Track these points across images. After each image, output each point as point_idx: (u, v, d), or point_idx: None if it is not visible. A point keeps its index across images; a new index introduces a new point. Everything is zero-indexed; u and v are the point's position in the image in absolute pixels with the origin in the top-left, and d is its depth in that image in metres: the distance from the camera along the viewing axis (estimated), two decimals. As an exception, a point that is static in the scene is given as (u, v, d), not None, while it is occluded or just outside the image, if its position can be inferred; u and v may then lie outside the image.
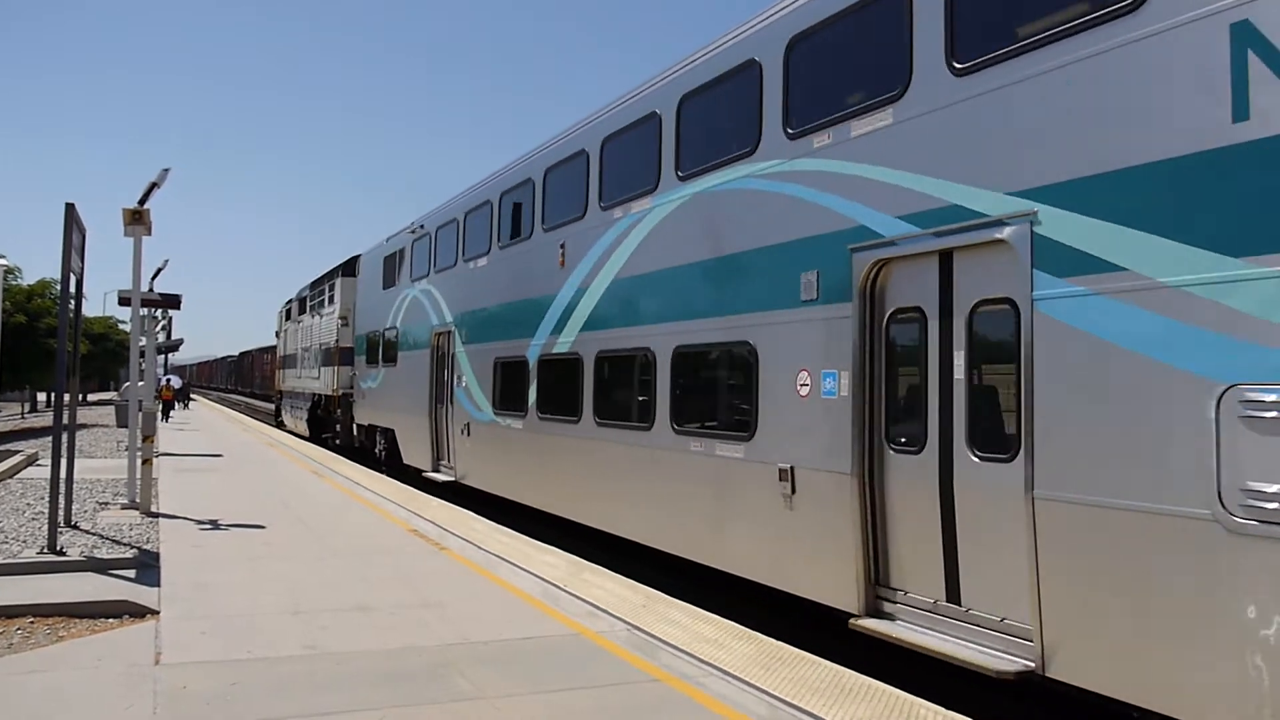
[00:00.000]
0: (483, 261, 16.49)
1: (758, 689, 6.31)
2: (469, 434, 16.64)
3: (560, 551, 11.32)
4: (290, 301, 40.49)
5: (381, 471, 21.61)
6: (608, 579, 9.82)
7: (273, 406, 74.31)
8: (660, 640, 7.47)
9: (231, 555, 10.57)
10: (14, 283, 43.64)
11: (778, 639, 7.64)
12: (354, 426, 26.61)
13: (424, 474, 19.00)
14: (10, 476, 17.88)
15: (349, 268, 28.01)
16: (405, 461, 20.96)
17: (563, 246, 13.24)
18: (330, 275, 30.86)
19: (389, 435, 22.76)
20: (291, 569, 9.93)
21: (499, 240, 15.97)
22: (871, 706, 6.02)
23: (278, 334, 44.39)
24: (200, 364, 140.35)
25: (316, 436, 32.12)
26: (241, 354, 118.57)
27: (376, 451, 24.03)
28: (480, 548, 11.37)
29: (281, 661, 6.75)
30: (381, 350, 23.20)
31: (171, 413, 43.18)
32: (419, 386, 19.54)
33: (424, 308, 19.66)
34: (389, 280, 23.03)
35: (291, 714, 5.74)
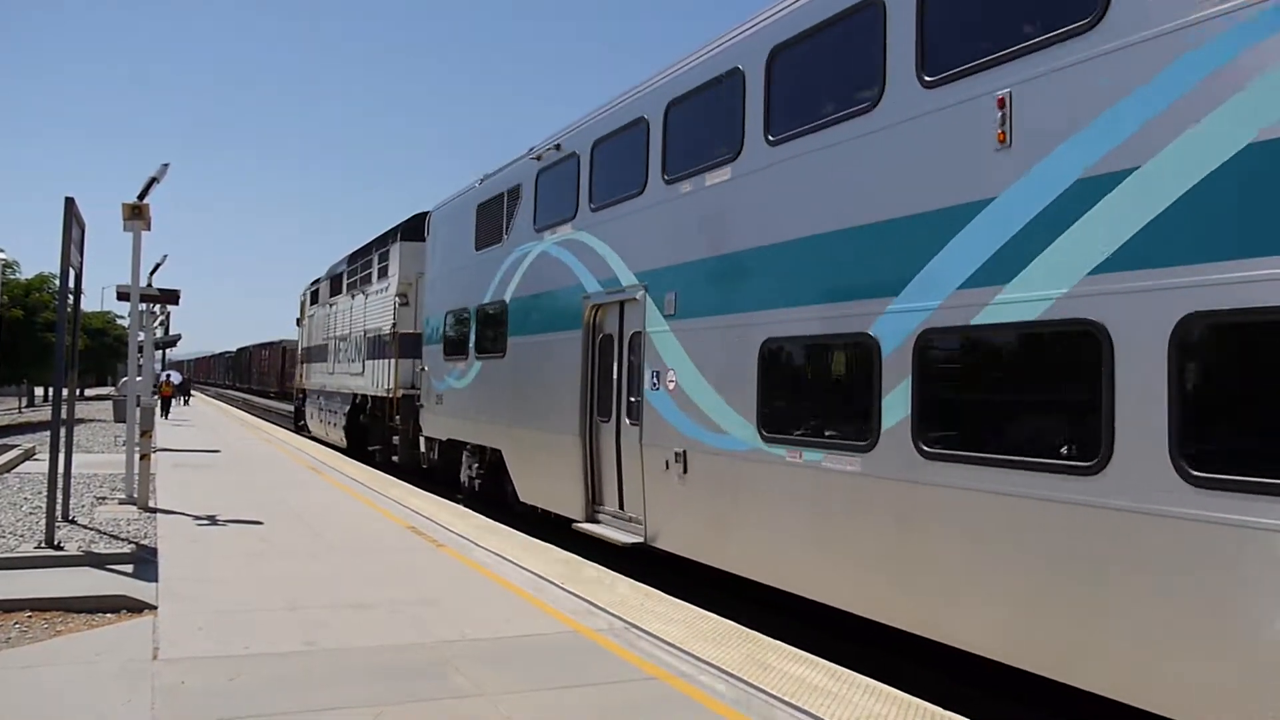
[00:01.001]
0: (724, 174, 9.81)
1: (754, 687, 6.31)
2: (684, 470, 10.13)
3: (558, 549, 11.32)
4: (317, 282, 33.70)
5: (469, 505, 15.67)
6: (605, 577, 9.82)
7: (281, 405, 73.83)
8: (658, 638, 7.47)
9: (229, 551, 10.56)
10: (12, 277, 43.57)
11: (774, 638, 7.64)
12: (421, 440, 19.56)
13: (573, 525, 12.51)
14: (8, 471, 17.86)
15: (412, 229, 21.21)
16: (524, 499, 14.33)
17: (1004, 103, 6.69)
18: (380, 242, 24.05)
19: (489, 457, 16.04)
20: (289, 565, 9.92)
21: (778, 126, 9.09)
22: (872, 703, 6.03)
23: (299, 322, 37.62)
24: (198, 360, 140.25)
25: (358, 449, 25.07)
26: (239, 350, 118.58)
27: (464, 480, 17.32)
28: (478, 545, 11.36)
29: (279, 657, 6.75)
30: (475, 335, 16.41)
31: (171, 409, 41.51)
32: (556, 387, 13.14)
33: (564, 268, 13.20)
34: (487, 237, 16.20)
35: (289, 710, 5.74)
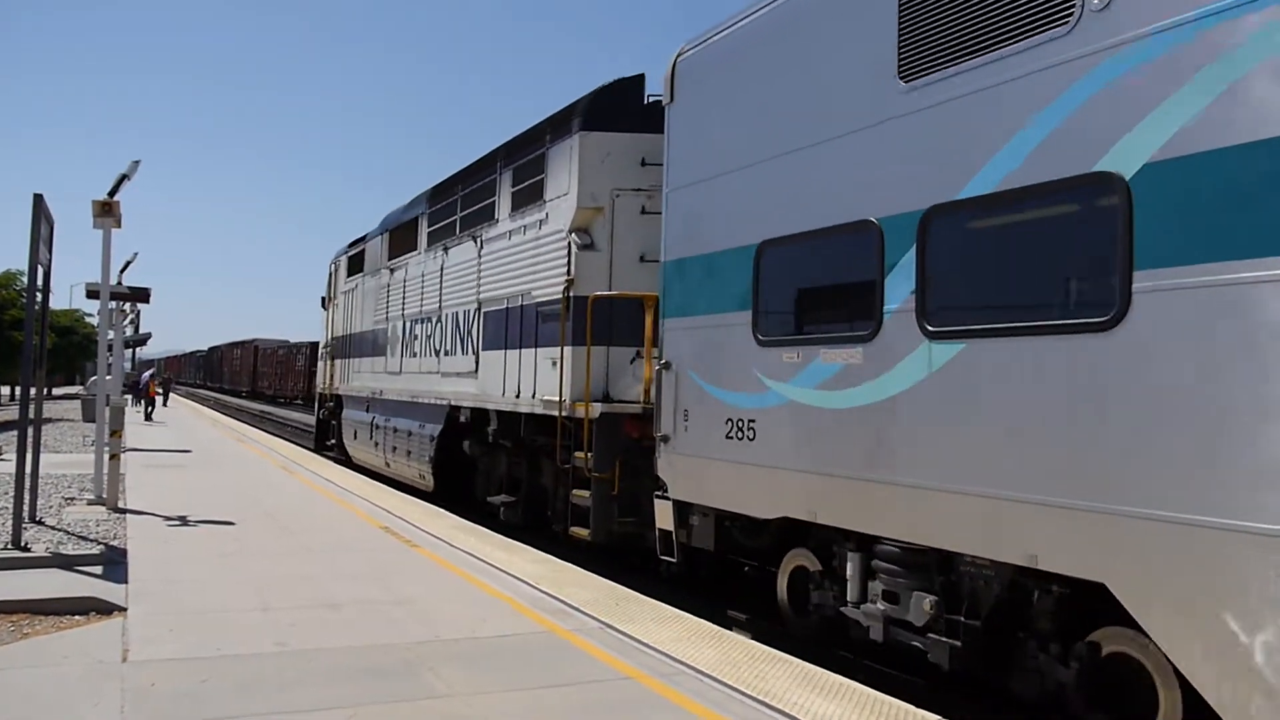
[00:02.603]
0: None
1: (730, 687, 6.31)
2: None
3: (533, 550, 11.29)
4: (361, 242, 23.28)
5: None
6: (580, 577, 9.80)
7: (253, 404, 72.87)
8: (634, 639, 7.46)
9: (200, 552, 10.46)
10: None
11: (751, 638, 7.66)
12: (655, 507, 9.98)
13: None
14: (-26, 471, 17.60)
15: (602, 112, 12.23)
16: None
17: None
18: (523, 146, 14.02)
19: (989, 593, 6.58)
20: (261, 565, 9.84)
21: None
22: (842, 704, 6.05)
23: (326, 302, 27.19)
24: (169, 358, 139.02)
25: (454, 494, 16.14)
26: (211, 349, 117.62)
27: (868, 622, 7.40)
28: (452, 545, 11.32)
29: (251, 659, 6.68)
30: (937, 280, 6.78)
31: (153, 410, 38.28)
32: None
33: None
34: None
35: (260, 711, 5.69)
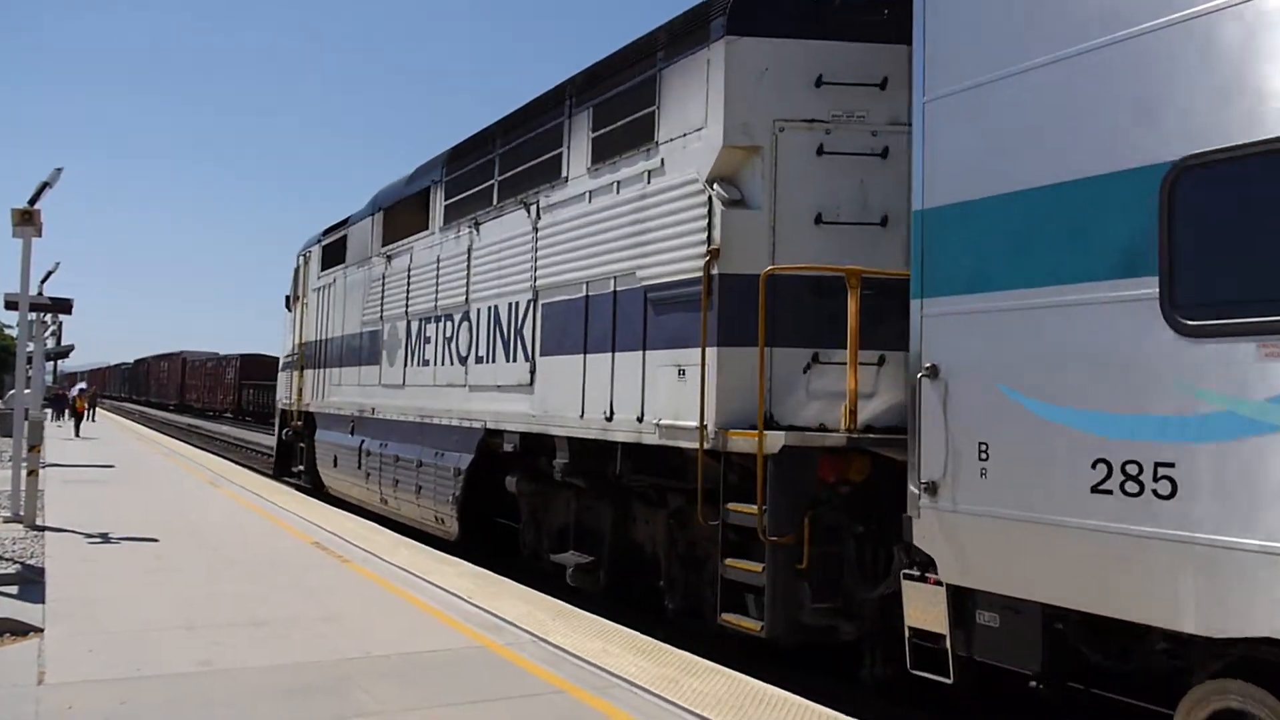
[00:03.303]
0: None
1: (666, 700, 6.31)
2: None
3: (465, 564, 11.19)
4: (342, 227, 18.73)
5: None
6: (513, 591, 9.74)
7: (180, 418, 71.18)
8: (567, 652, 7.42)
9: (122, 570, 10.18)
10: (-110, 284, 41.49)
11: (689, 652, 7.66)
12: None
13: None
14: (-118, 488, 16.94)
15: (744, 14, 8.22)
16: None
17: None
18: (608, 77, 10.08)
19: None
20: (185, 583, 9.61)
21: None
22: (779, 713, 6.08)
23: (291, 303, 22.46)
24: (92, 371, 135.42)
25: (484, 542, 12.84)
26: (137, 361, 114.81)
27: None
28: (384, 560, 11.17)
29: (173, 679, 6.51)
30: None
31: (81, 424, 36.53)
32: None
33: None
34: None
35: (183, 733, 5.55)
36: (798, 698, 6.45)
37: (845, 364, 7.30)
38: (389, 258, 15.74)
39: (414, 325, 14.45)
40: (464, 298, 12.72)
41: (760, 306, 7.47)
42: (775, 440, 7.39)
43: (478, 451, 11.89)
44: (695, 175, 8.32)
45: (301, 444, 20.46)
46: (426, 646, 7.51)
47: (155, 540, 12.01)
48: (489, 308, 12.05)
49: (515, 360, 11.26)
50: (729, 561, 7.78)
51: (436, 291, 13.64)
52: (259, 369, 69.97)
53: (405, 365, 14.65)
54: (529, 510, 11.73)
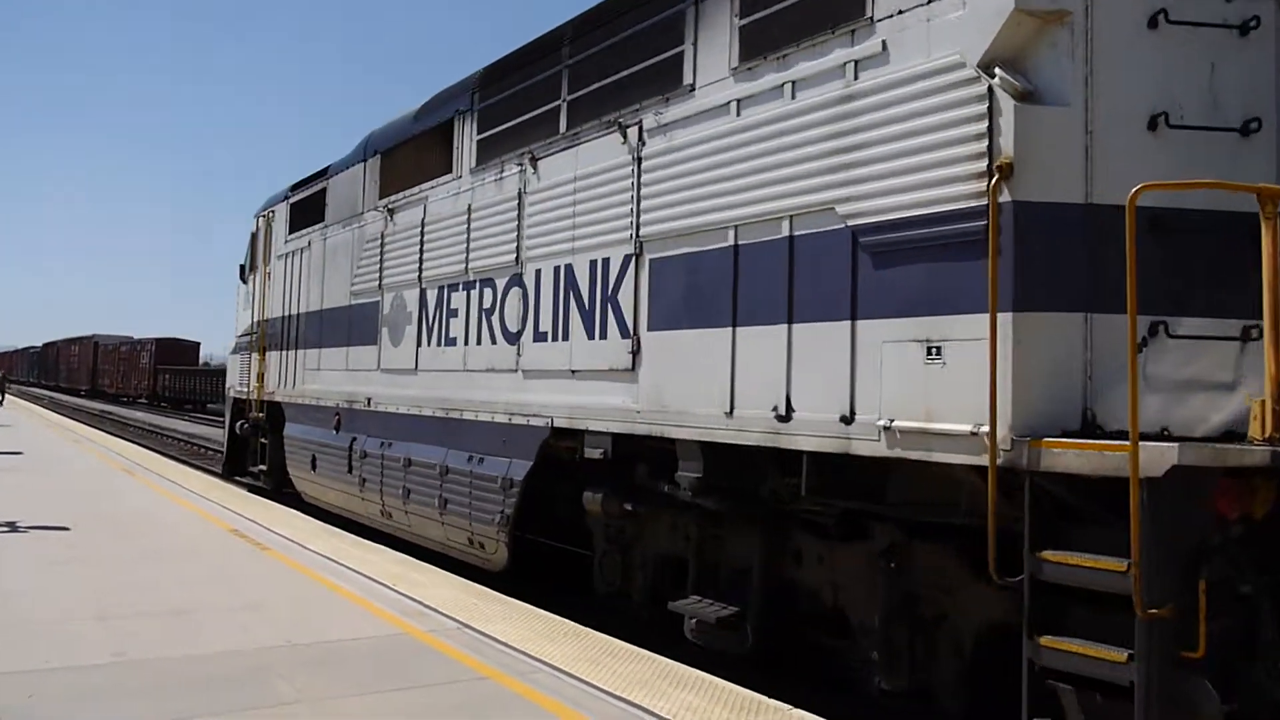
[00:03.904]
0: None
1: (588, 684, 6.34)
2: None
3: (389, 551, 11.09)
4: (310, 184, 16.17)
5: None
6: (439, 578, 9.69)
7: (93, 404, 68.97)
8: (491, 638, 7.41)
9: (31, 560, 9.87)
10: None
11: (614, 636, 7.71)
12: None
13: None
14: None
15: None
16: None
17: None
18: None
19: None
20: (99, 573, 9.36)
21: None
22: (700, 695, 6.16)
23: (247, 273, 19.53)
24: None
25: (560, 584, 10.22)
26: (46, 345, 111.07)
27: None
28: (305, 548, 11.01)
29: (85, 671, 6.35)
30: None
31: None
32: None
33: None
34: None
35: (95, 726, 5.42)
36: (727, 683, 6.53)
37: (1200, 338, 5.21)
38: (390, 212, 12.75)
39: (430, 295, 11.60)
40: (513, 256, 9.94)
41: (1129, 246, 4.77)
42: (1158, 456, 4.75)
43: (538, 457, 9.20)
44: (958, 58, 5.72)
45: (263, 439, 17.38)
46: (350, 634, 7.44)
47: (66, 529, 11.67)
48: (556, 268, 9.23)
49: (605, 337, 8.53)
50: (1048, 641, 5.13)
51: (467, 251, 10.82)
52: (175, 354, 68.35)
53: (418, 345, 11.83)
54: (613, 537, 9.26)
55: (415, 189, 12.21)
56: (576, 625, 7.94)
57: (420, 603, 8.48)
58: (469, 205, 10.85)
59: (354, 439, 13.15)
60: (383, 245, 12.90)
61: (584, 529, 9.65)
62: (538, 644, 7.26)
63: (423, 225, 11.87)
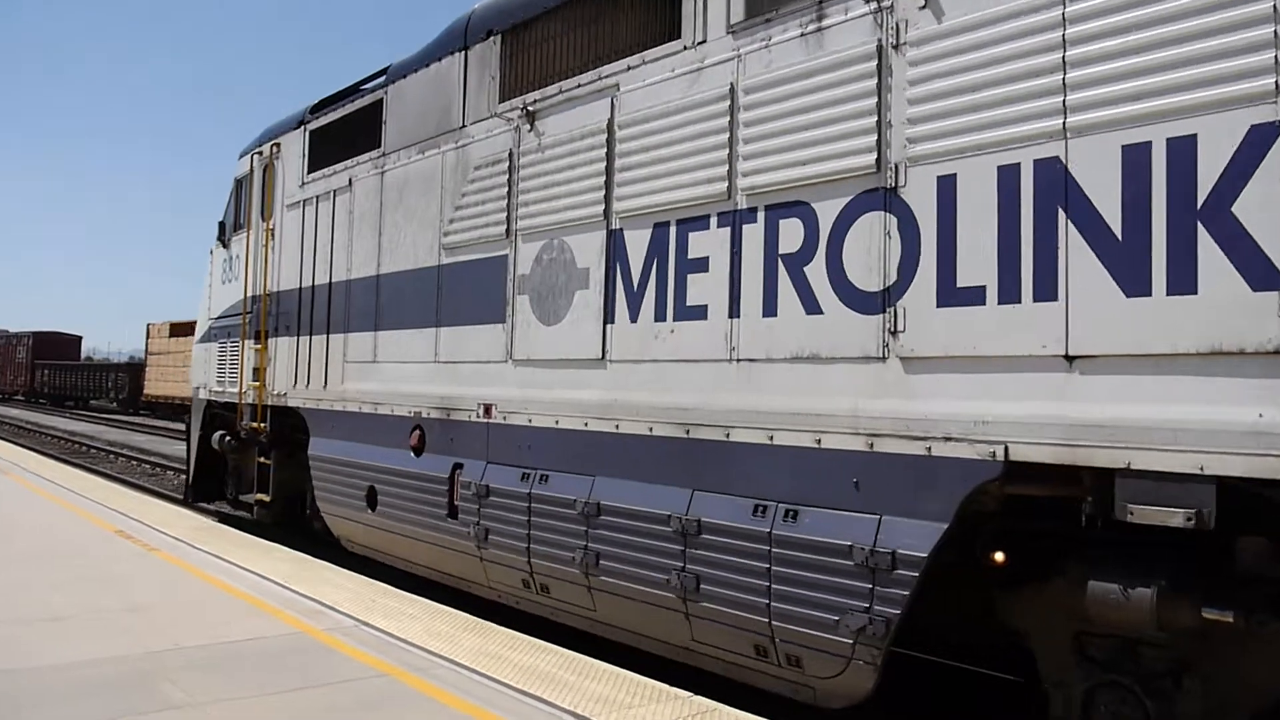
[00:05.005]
0: None
1: (490, 678, 6.29)
2: None
3: (284, 549, 10.81)
4: (361, 95, 11.57)
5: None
6: (336, 575, 9.48)
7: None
8: (389, 635, 7.29)
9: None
10: None
11: (516, 630, 7.67)
12: None
13: None
14: None
15: None
16: None
17: None
18: None
19: None
20: (-31, 578, 8.91)
21: None
22: (608, 684, 6.16)
23: (229, 232, 14.93)
24: None
25: None
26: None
27: None
28: (195, 547, 10.65)
29: (-46, 681, 6.04)
30: None
31: None
32: None
33: None
34: None
35: (-33, 738, 5.16)
36: (632, 674, 6.55)
37: None
38: (530, 117, 8.72)
39: (634, 239, 7.60)
40: (869, 158, 6.00)
41: None
42: None
43: (957, 516, 5.50)
44: None
45: (265, 459, 12.98)
46: (242, 635, 7.22)
47: (-66, 533, 11.07)
48: (1007, 170, 5.34)
49: (1192, 289, 4.64)
50: None
51: (730, 160, 6.87)
52: (55, 348, 65.49)
53: (604, 321, 7.80)
54: (1148, 666, 5.24)
55: (589, 76, 8.19)
56: (480, 620, 7.88)
57: (317, 601, 8.29)
58: (730, 85, 6.94)
59: (458, 466, 9.21)
60: (515, 170, 8.88)
61: (1005, 636, 6.00)
62: (438, 640, 7.17)
63: (611, 130, 7.90)
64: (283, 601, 8.28)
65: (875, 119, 5.98)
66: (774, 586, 6.32)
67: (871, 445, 5.85)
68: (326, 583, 9.05)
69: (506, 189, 8.93)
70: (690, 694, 6.09)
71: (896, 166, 5.86)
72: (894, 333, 5.79)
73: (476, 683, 6.22)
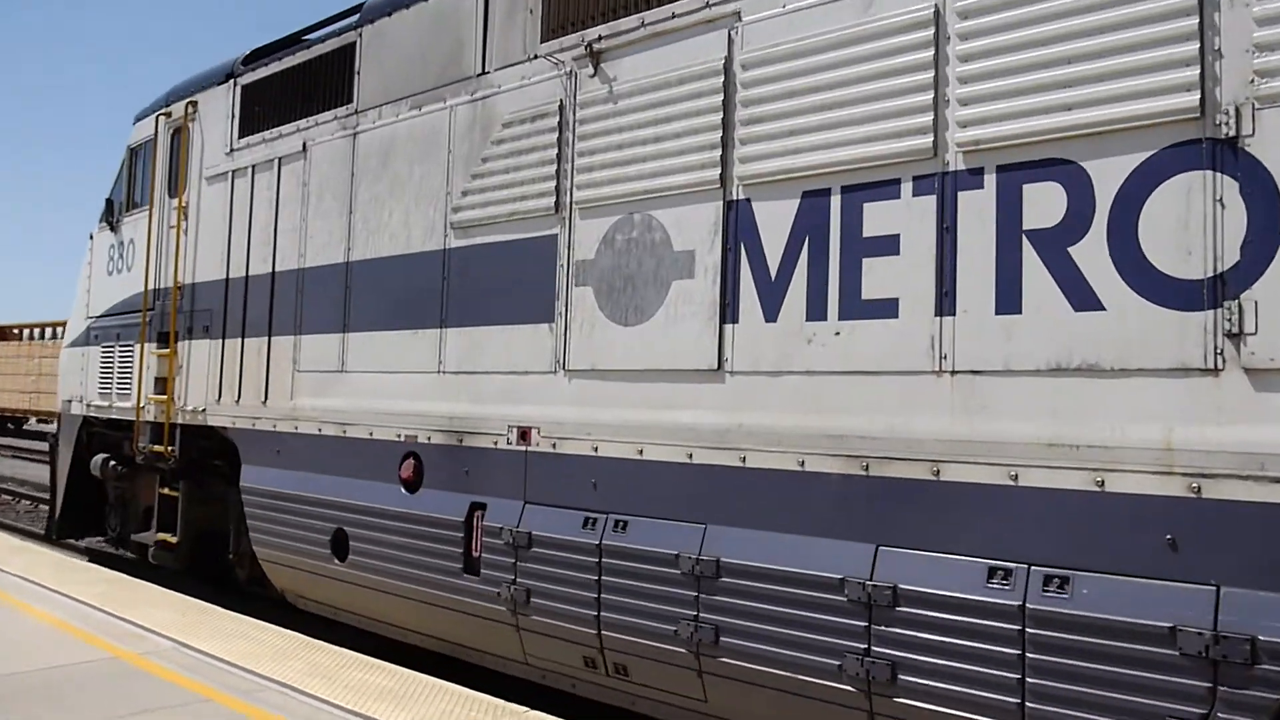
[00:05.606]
0: None
1: (318, 699, 6.12)
2: None
3: (103, 569, 10.24)
4: (318, 42, 9.30)
5: None
6: (156, 595, 9.03)
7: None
8: (213, 657, 6.99)
9: None
10: None
11: (349, 649, 7.48)
12: None
13: None
14: None
15: None
16: None
17: None
18: None
19: None
20: None
21: None
22: (448, 701, 6.09)
23: (120, 211, 11.99)
24: None
25: None
26: None
27: None
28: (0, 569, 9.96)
29: None
30: None
31: None
32: None
33: None
34: None
35: None
36: (461, 687, 6.48)
37: None
38: (596, 57, 6.79)
39: (772, 212, 5.80)
40: (1193, 96, 4.37)
41: None
42: None
43: None
44: None
45: (171, 490, 10.61)
46: (49, 663, 6.78)
47: None
48: None
49: None
50: None
51: (937, 103, 5.14)
52: None
53: (721, 320, 5.99)
54: None
55: (691, 2, 6.32)
56: (310, 639, 7.64)
57: (134, 624, 7.86)
58: (935, 6, 5.17)
59: (478, 507, 7.28)
60: (567, 127, 6.98)
61: None
62: (264, 661, 6.92)
63: (730, 72, 6.07)
64: (97, 625, 7.81)
65: (1198, 44, 4.31)
66: (1029, 681, 4.52)
67: (1198, 490, 4.22)
68: (144, 604, 8.59)
69: (556, 150, 7.00)
70: (525, 709, 6.07)
71: (1236, 109, 4.21)
72: (1233, 335, 4.18)
73: (307, 704, 6.04)
